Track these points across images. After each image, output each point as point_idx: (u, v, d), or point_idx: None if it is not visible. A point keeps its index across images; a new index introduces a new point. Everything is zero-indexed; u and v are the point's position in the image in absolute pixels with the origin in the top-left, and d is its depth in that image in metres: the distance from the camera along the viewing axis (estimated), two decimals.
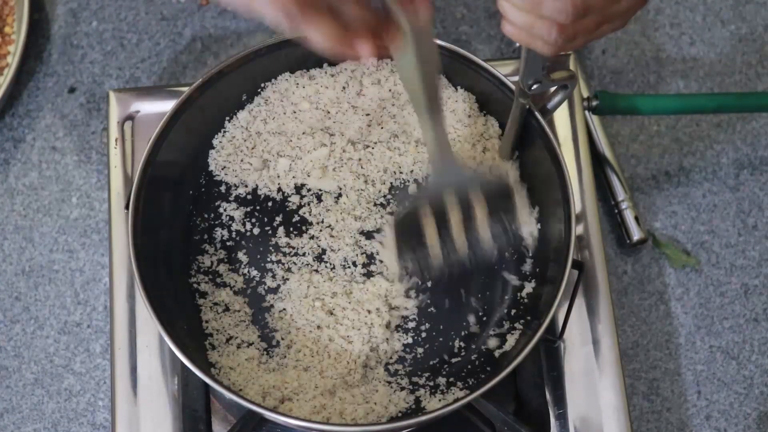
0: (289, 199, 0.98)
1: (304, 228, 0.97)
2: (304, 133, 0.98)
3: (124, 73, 1.14)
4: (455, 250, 0.89)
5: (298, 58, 0.98)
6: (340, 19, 0.76)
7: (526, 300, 0.93)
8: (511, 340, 0.91)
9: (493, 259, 0.93)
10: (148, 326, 0.99)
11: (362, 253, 0.96)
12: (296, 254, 0.96)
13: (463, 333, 0.94)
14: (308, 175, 0.98)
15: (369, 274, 0.95)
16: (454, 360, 0.93)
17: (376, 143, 0.98)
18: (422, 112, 0.86)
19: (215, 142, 0.98)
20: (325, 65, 0.99)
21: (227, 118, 0.99)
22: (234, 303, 0.95)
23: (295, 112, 0.98)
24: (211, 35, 1.16)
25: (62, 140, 1.12)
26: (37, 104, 1.13)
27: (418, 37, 0.80)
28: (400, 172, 0.98)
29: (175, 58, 1.15)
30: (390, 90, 0.98)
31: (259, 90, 0.99)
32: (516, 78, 0.88)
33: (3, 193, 1.10)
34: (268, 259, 0.96)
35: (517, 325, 0.92)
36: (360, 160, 0.98)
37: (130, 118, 1.06)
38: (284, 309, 0.94)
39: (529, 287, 0.94)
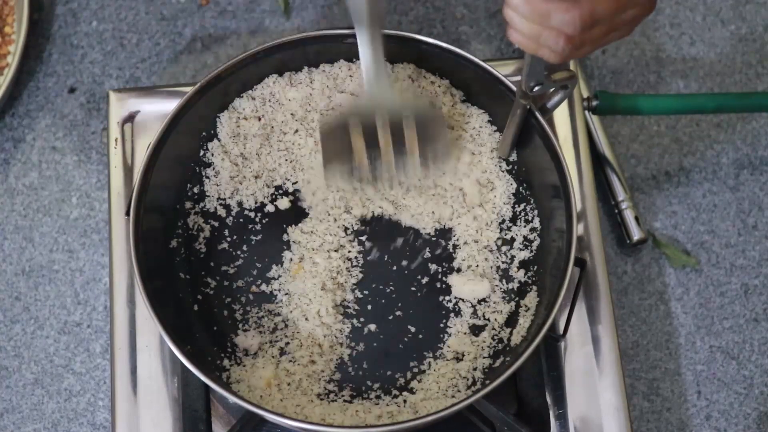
0: (291, 199, 0.98)
1: (307, 229, 0.97)
2: (297, 132, 0.98)
3: (124, 73, 1.14)
4: (382, 166, 0.90)
5: (294, 59, 0.98)
6: None
7: (528, 299, 0.93)
8: (515, 339, 0.91)
9: (420, 180, 0.93)
10: (148, 326, 0.99)
11: (355, 254, 0.97)
12: (299, 255, 0.97)
13: (462, 332, 0.94)
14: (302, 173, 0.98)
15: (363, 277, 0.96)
16: (456, 360, 0.93)
17: None
18: (362, 24, 0.85)
19: (212, 144, 0.99)
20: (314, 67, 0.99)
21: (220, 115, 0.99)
22: (234, 302, 0.95)
23: (286, 114, 0.99)
24: (211, 35, 1.16)
25: (62, 140, 1.12)
26: (37, 104, 1.13)
27: None
28: None
29: (175, 58, 1.15)
30: None
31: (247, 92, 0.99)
32: (516, 78, 0.88)
33: (3, 193, 1.10)
34: (269, 261, 0.97)
35: (521, 322, 0.92)
36: None
37: (130, 118, 1.06)
38: (285, 309, 0.95)
39: (530, 287, 0.94)
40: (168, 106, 0.99)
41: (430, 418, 0.83)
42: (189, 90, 0.94)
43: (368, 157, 0.90)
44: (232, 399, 0.84)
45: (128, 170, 1.04)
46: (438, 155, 0.91)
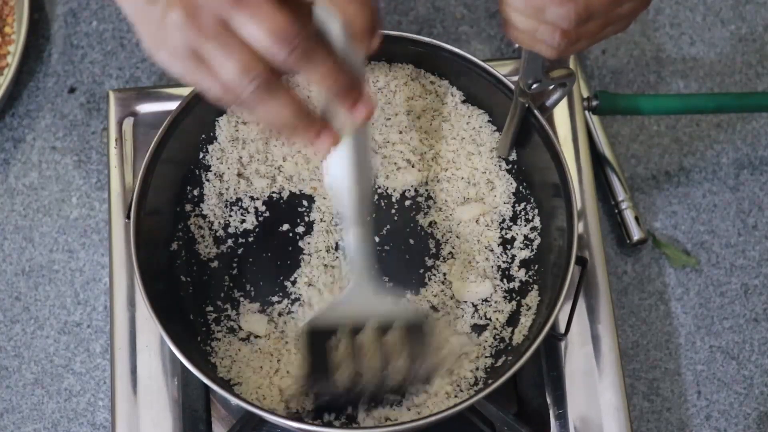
0: (292, 199, 0.98)
1: (309, 228, 0.97)
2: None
3: (124, 73, 1.14)
4: (366, 374, 0.83)
5: None
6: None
7: (529, 298, 0.93)
8: (517, 338, 0.92)
9: (402, 388, 0.87)
10: (148, 326, 0.99)
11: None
12: (301, 253, 0.97)
13: (464, 332, 0.94)
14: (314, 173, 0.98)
15: None
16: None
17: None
18: (350, 220, 0.80)
19: (212, 146, 0.99)
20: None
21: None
22: (235, 302, 0.95)
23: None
24: None
25: (62, 140, 1.12)
26: (37, 104, 1.13)
27: (356, 136, 0.75)
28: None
29: None
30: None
31: None
32: (515, 77, 0.89)
33: (3, 193, 1.10)
34: (270, 259, 0.97)
35: (522, 321, 0.92)
36: None
37: (130, 118, 1.06)
38: (287, 307, 0.95)
39: (532, 286, 0.94)
40: (168, 106, 0.99)
41: (433, 419, 0.83)
42: (189, 91, 0.94)
43: (353, 359, 0.83)
44: (234, 401, 0.84)
45: (128, 170, 1.04)
46: (427, 365, 0.85)
